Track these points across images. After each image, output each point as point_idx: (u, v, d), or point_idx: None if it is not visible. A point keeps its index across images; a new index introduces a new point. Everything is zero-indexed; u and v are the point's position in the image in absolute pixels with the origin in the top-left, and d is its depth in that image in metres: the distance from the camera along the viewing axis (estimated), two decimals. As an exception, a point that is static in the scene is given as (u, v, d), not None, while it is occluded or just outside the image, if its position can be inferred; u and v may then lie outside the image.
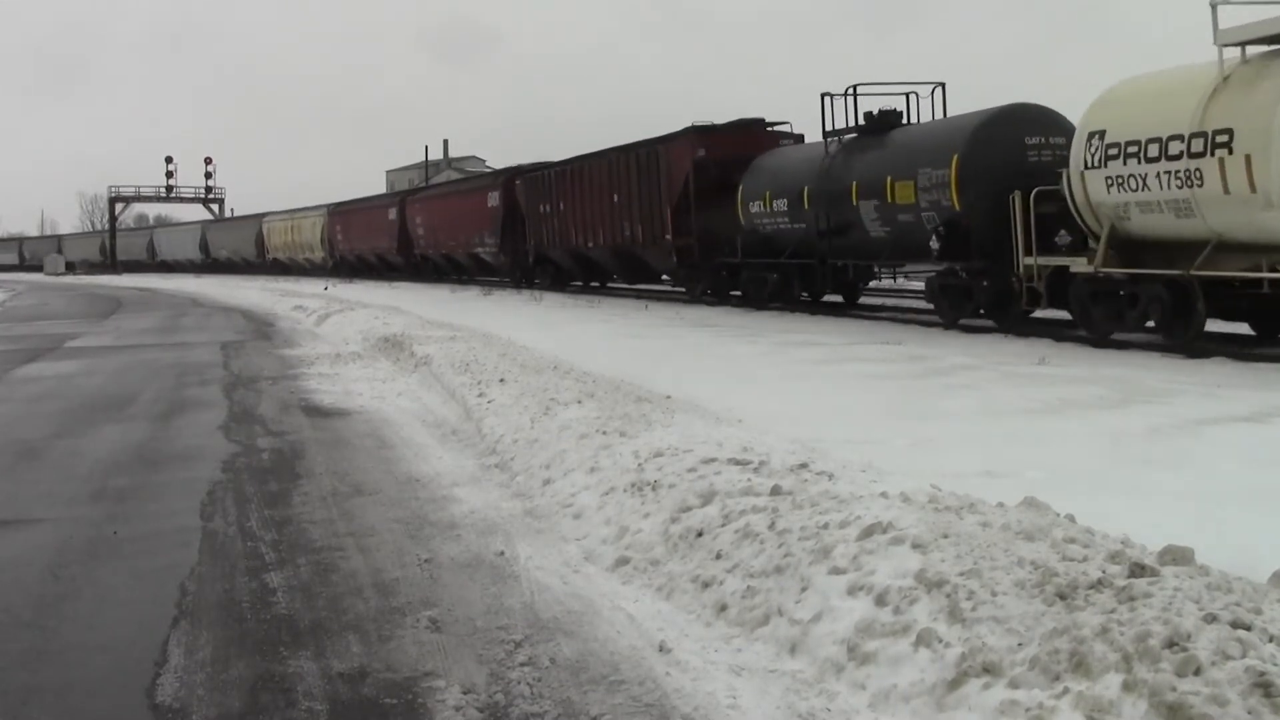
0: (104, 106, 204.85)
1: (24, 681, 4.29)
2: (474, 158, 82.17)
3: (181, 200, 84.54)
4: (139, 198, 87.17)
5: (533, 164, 33.82)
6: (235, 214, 79.39)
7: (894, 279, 22.45)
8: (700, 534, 5.30)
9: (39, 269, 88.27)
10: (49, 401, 12.52)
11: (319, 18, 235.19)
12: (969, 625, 3.74)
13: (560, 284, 31.80)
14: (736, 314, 20.23)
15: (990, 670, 3.52)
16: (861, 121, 17.93)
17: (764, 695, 3.86)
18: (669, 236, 23.34)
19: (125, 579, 5.63)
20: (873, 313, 19.07)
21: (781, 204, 19.58)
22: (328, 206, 55.06)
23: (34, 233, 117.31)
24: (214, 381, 13.96)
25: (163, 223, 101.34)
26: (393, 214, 45.60)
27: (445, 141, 79.97)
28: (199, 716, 3.91)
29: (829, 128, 18.54)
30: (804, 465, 6.10)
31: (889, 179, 16.39)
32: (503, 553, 5.78)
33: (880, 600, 4.10)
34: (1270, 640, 3.26)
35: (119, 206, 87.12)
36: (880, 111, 17.78)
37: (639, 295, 26.68)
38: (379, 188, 79.31)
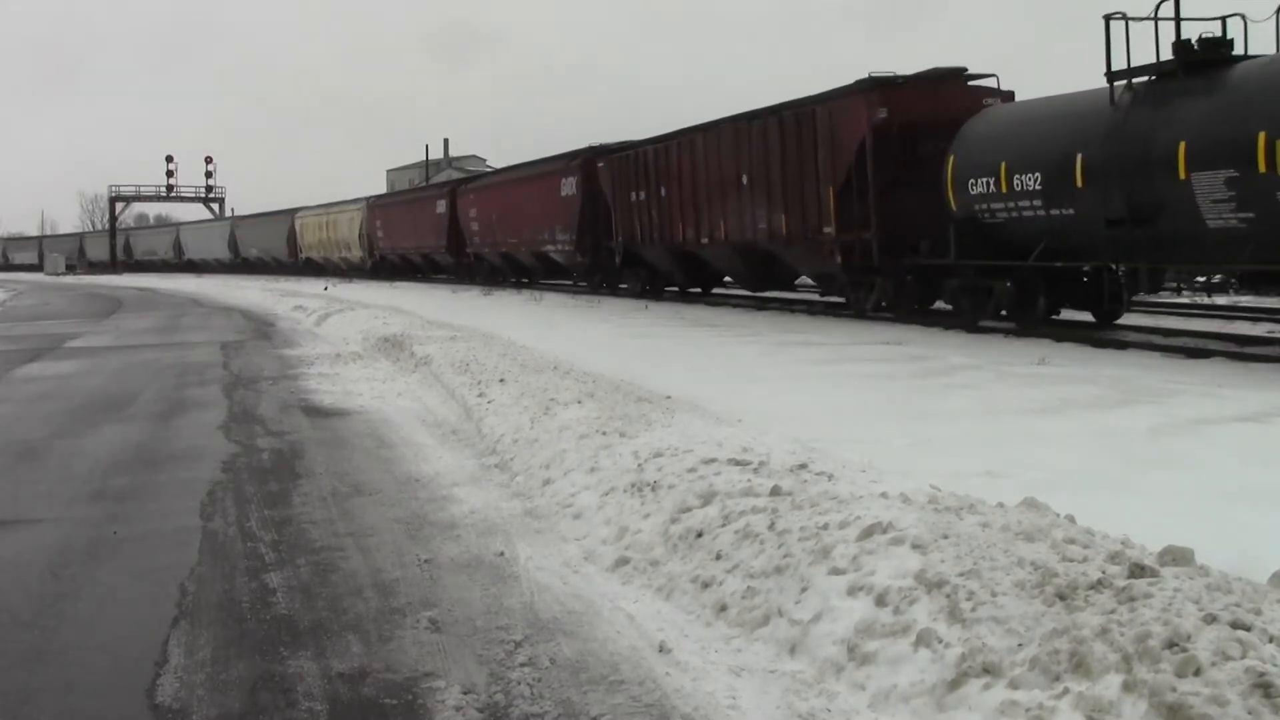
0: (104, 106, 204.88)
1: (24, 681, 4.29)
2: (474, 157, 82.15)
3: (182, 200, 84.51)
4: (139, 197, 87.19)
5: (618, 143, 27.23)
6: (235, 214, 79.02)
7: (1178, 291, 15.75)
8: (700, 534, 5.30)
9: (100, 267, 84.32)
10: (49, 401, 12.52)
11: (319, 18, 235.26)
12: (969, 625, 3.74)
13: (654, 291, 25.69)
14: (736, 314, 20.22)
15: (990, 670, 3.52)
16: (1169, 56, 11.97)
17: (764, 695, 3.86)
18: (830, 229, 17.19)
19: (125, 579, 5.63)
20: (870, 313, 19.03)
21: (1029, 180, 13.58)
22: (367, 199, 49.84)
23: (34, 232, 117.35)
24: (214, 381, 13.96)
25: (161, 220, 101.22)
26: (441, 207, 39.46)
27: (445, 141, 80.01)
28: (199, 717, 3.91)
29: (1115, 67, 12.34)
30: (804, 465, 6.10)
31: (1263, 136, 10.51)
32: (502, 553, 5.78)
33: (880, 600, 4.10)
34: (1270, 641, 3.26)
35: (119, 206, 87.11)
36: (1203, 39, 11.90)
37: (639, 295, 26.32)
38: (379, 188, 79.25)
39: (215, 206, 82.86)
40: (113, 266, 79.91)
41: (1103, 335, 13.16)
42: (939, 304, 16.54)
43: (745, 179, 19.79)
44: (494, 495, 7.16)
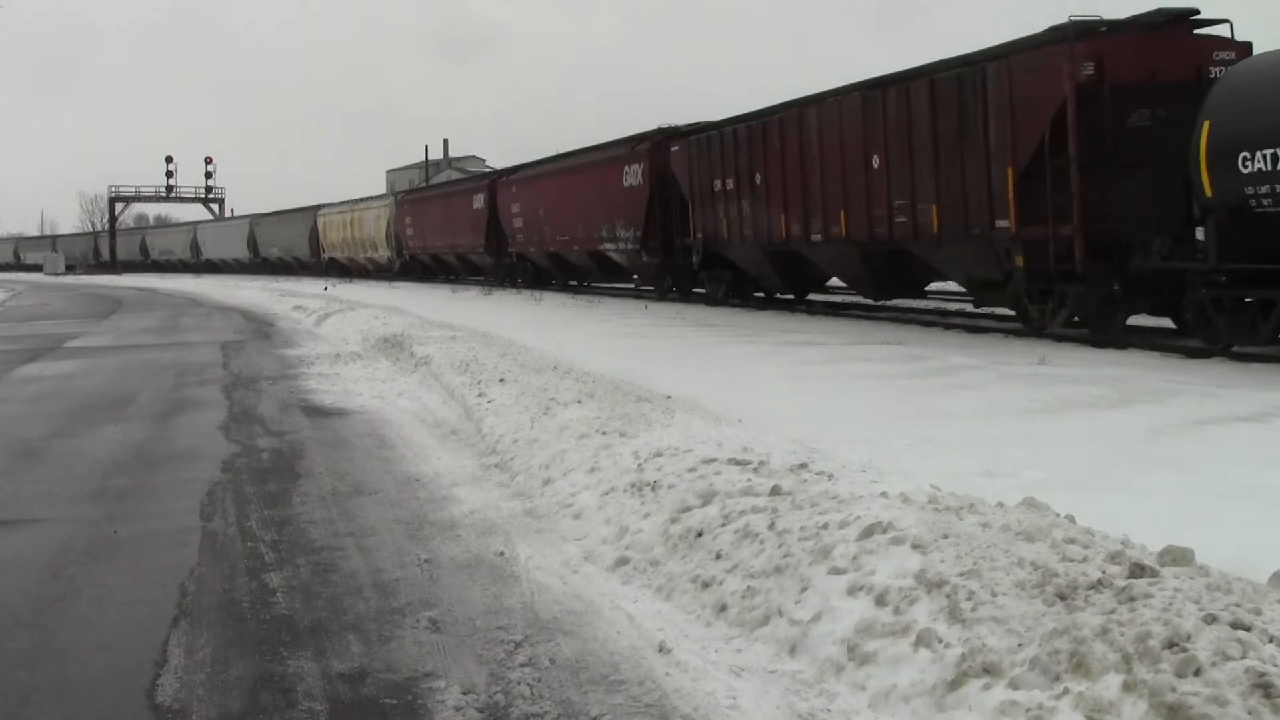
0: (104, 106, 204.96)
1: (24, 681, 4.28)
2: (474, 157, 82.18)
3: (181, 200, 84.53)
4: (139, 198, 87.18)
5: (694, 123, 23.43)
6: (236, 214, 78.84)
7: None
8: (700, 534, 5.30)
9: (100, 267, 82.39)
10: (49, 401, 12.52)
11: (319, 18, 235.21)
12: (969, 626, 3.74)
13: (739, 294, 21.72)
14: (736, 314, 20.22)
15: (990, 671, 3.52)
16: None
17: (764, 695, 3.86)
18: (1006, 223, 13.32)
19: (125, 579, 5.62)
20: (870, 313, 19.04)
21: None
22: (395, 194, 46.68)
23: (34, 232, 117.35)
24: (213, 381, 13.95)
25: (162, 220, 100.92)
26: (479, 201, 35.71)
27: (445, 141, 79.98)
28: (199, 717, 3.91)
29: None
30: (804, 465, 6.10)
31: None
32: (502, 553, 5.78)
33: (880, 600, 4.10)
34: (1270, 641, 3.26)
35: (119, 206, 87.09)
36: None
37: (639, 295, 26.22)
38: (379, 188, 79.23)
39: (215, 207, 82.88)
40: (112, 267, 79.74)
41: (1102, 336, 13.13)
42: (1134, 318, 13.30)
43: (876, 160, 15.81)
44: (494, 495, 7.16)
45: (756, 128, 19.62)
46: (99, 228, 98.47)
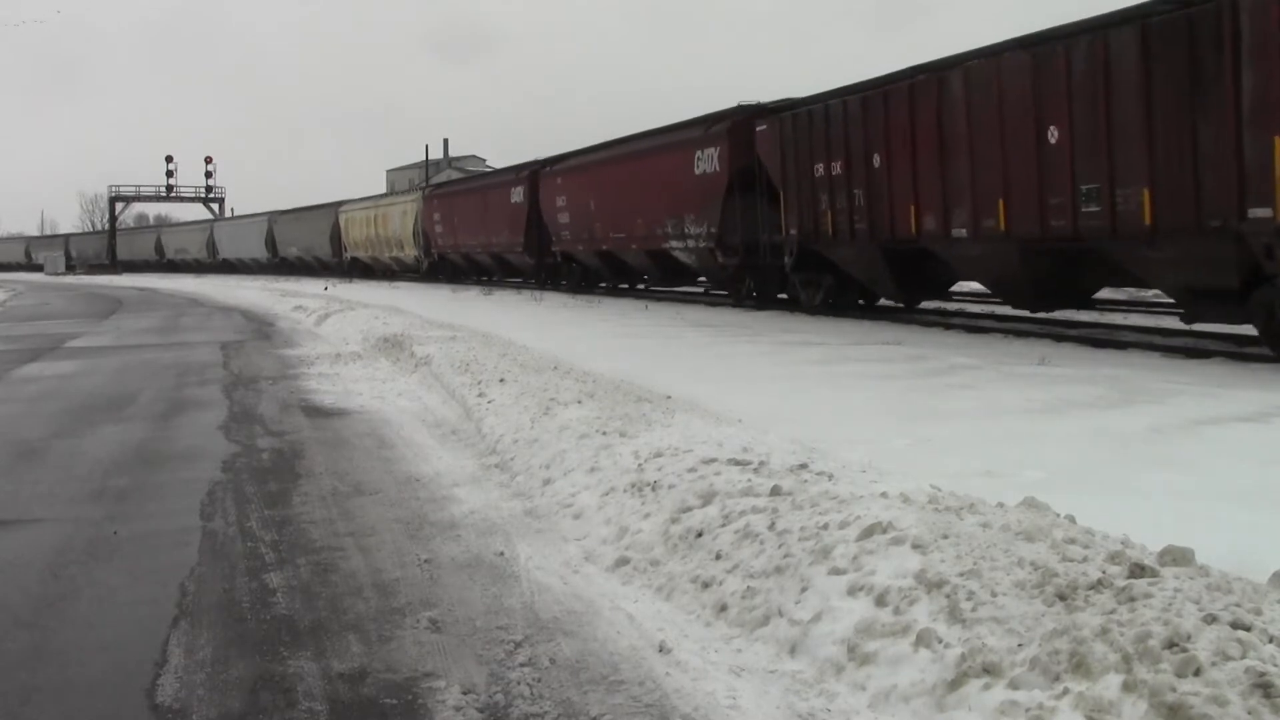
0: (104, 106, 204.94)
1: (24, 681, 4.28)
2: (474, 157, 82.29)
3: (182, 200, 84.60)
4: (139, 197, 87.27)
5: (783, 99, 19.46)
6: (236, 214, 78.64)
7: None
8: (700, 534, 5.30)
9: (100, 267, 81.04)
10: (49, 401, 12.52)
11: (320, 18, 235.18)
12: (969, 626, 3.74)
13: (840, 301, 18.17)
14: (736, 314, 20.22)
15: (990, 671, 3.52)
16: None
17: (764, 695, 3.86)
18: (1266, 212, 10.00)
19: (125, 579, 5.62)
20: (869, 313, 19.02)
21: None
22: (423, 189, 43.54)
23: (34, 232, 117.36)
24: (214, 381, 13.96)
25: (162, 221, 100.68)
26: (518, 194, 32.31)
27: (445, 141, 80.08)
28: (199, 717, 3.91)
29: None
30: (804, 465, 6.10)
31: None
32: (502, 553, 5.78)
33: (880, 600, 4.10)
34: (1270, 641, 3.26)
35: (119, 206, 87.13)
36: None
37: (639, 295, 26.11)
38: (379, 187, 79.28)
39: (215, 207, 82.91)
40: (112, 266, 79.70)
41: (1103, 335, 13.14)
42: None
43: (1054, 134, 12.45)
44: (494, 495, 7.16)
45: (876, 99, 15.94)
46: (99, 227, 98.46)
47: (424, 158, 76.86)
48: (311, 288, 38.65)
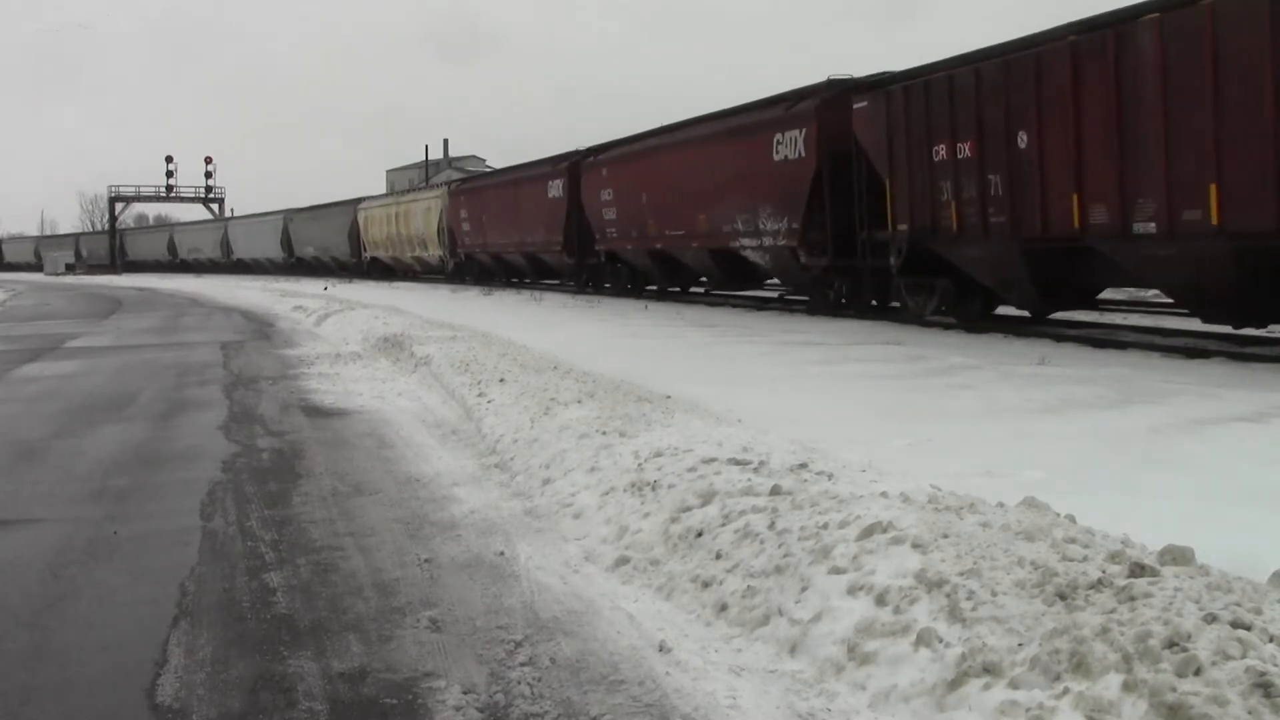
0: (104, 106, 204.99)
1: (24, 681, 4.28)
2: (474, 157, 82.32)
3: (181, 200, 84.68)
4: (139, 197, 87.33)
5: (876, 74, 17.11)
6: (235, 214, 78.45)
7: None
8: (700, 534, 5.30)
9: (100, 268, 79.71)
10: (49, 401, 12.52)
11: (320, 18, 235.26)
12: (969, 625, 3.74)
13: (959, 309, 15.35)
14: (736, 314, 20.21)
15: (990, 670, 3.52)
16: None
17: (764, 695, 3.86)
18: None
19: (125, 579, 5.62)
20: (869, 313, 19.00)
21: None
22: (448, 184, 40.58)
23: (34, 231, 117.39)
24: (214, 381, 13.96)
25: (162, 220, 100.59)
26: (556, 188, 29.04)
27: (445, 141, 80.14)
28: (199, 717, 3.91)
29: None
30: (804, 465, 6.10)
31: None
32: (503, 553, 5.78)
33: (880, 600, 4.10)
34: (1270, 640, 3.26)
35: (119, 206, 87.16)
36: None
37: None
38: (379, 187, 79.22)
39: (215, 207, 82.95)
40: (112, 267, 79.67)
41: (1103, 335, 13.14)
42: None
43: None
44: (494, 495, 7.16)
45: (1023, 64, 13.06)
46: (99, 227, 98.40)
47: (424, 158, 76.89)
48: (311, 288, 38.64)
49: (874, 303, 17.76)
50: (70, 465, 8.62)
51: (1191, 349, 11.74)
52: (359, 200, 49.66)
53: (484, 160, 79.55)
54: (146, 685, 4.18)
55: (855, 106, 16.51)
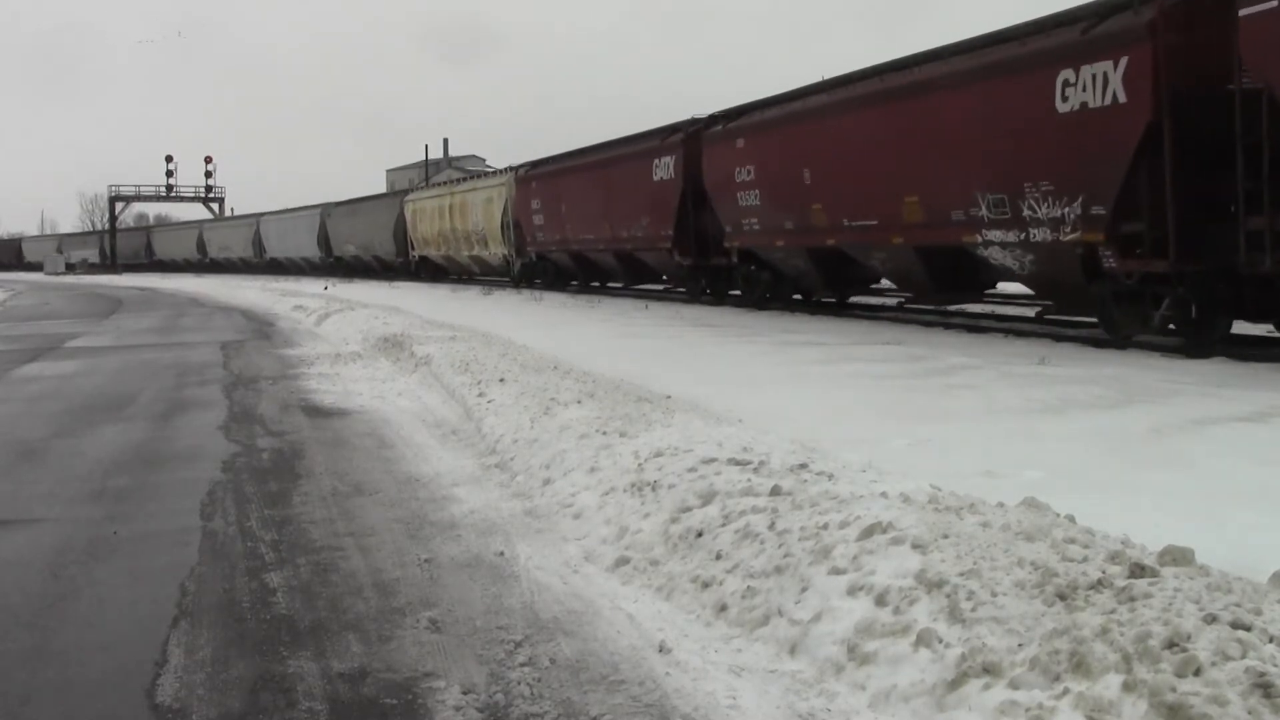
0: (104, 106, 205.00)
1: (24, 681, 4.28)
2: (474, 157, 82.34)
3: (181, 199, 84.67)
4: (139, 197, 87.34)
5: None
6: (236, 214, 78.23)
7: None
8: (700, 534, 5.30)
9: (124, 268, 77.69)
10: (49, 401, 12.52)
11: (320, 18, 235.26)
12: (969, 625, 3.74)
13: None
14: (736, 314, 20.21)
15: (990, 670, 3.52)
16: None
17: (764, 695, 3.86)
18: None
19: (125, 579, 5.62)
20: (873, 313, 19.02)
21: None
22: (515, 168, 33.34)
23: (34, 232, 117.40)
24: (214, 381, 13.95)
25: (162, 220, 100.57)
26: (665, 167, 22.63)
27: (445, 141, 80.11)
28: (199, 717, 3.91)
29: None
30: (804, 465, 6.10)
31: None
32: (502, 553, 5.78)
33: (880, 600, 4.10)
34: (1270, 641, 3.26)
35: (119, 206, 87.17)
36: None
37: (639, 296, 25.79)
38: (379, 187, 79.20)
39: (215, 206, 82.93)
40: (112, 266, 79.66)
41: (1102, 335, 13.13)
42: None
43: None
44: (494, 495, 7.16)
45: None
46: (99, 227, 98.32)
47: (424, 158, 76.89)
48: (311, 288, 38.63)
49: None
50: (70, 465, 8.62)
51: (1192, 349, 11.73)
52: (406, 192, 45.41)
53: (484, 160, 79.54)
54: (146, 685, 4.18)
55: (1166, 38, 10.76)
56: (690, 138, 21.99)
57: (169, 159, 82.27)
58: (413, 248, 42.89)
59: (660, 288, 26.52)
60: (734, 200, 20.00)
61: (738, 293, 21.67)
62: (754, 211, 19.52)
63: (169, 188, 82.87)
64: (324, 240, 53.09)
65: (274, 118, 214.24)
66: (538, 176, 30.86)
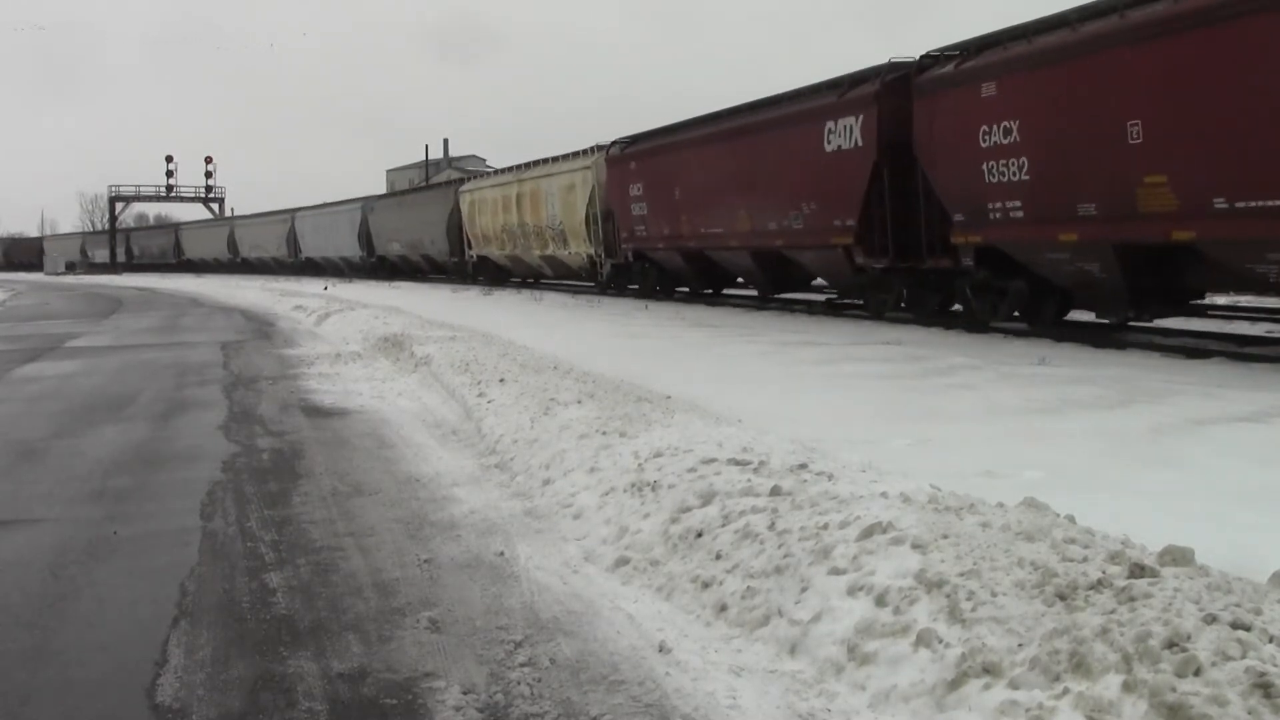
0: (104, 106, 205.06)
1: (24, 681, 4.28)
2: (474, 156, 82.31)
3: (182, 200, 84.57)
4: (139, 197, 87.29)
5: None
6: (236, 214, 77.92)
7: None
8: (700, 534, 5.30)
9: (150, 268, 75.55)
10: (49, 401, 12.52)
11: (320, 18, 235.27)
12: (969, 626, 3.74)
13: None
14: (736, 313, 20.21)
15: (990, 671, 3.52)
16: None
17: (764, 695, 3.86)
18: None
19: (125, 579, 5.62)
20: (870, 313, 18.96)
21: None
22: (606, 147, 26.37)
23: (34, 232, 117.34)
24: (214, 381, 13.95)
25: (162, 220, 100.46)
26: (843, 133, 16.43)
27: (445, 141, 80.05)
28: (199, 717, 3.90)
29: None
30: (804, 465, 6.10)
31: None
32: (502, 553, 5.78)
33: (880, 600, 4.10)
34: (1270, 641, 3.26)
35: (119, 206, 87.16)
36: None
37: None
38: (379, 187, 79.17)
39: (215, 207, 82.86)
40: (112, 266, 79.63)
41: (1102, 335, 13.14)
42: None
43: None
44: (494, 495, 7.16)
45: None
46: (99, 227, 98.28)
47: (424, 158, 76.88)
48: (311, 288, 38.61)
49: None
50: (70, 465, 8.62)
51: (1191, 349, 11.75)
52: (460, 181, 39.72)
53: (484, 160, 79.50)
54: (146, 685, 4.18)
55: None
56: (887, 88, 15.65)
57: (169, 159, 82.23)
58: (469, 246, 36.12)
59: (804, 297, 20.67)
60: (971, 174, 13.73)
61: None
62: (1012, 190, 13.07)
63: (169, 188, 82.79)
64: (365, 238, 46.38)
65: (274, 118, 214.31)
66: (638, 155, 24.50)
